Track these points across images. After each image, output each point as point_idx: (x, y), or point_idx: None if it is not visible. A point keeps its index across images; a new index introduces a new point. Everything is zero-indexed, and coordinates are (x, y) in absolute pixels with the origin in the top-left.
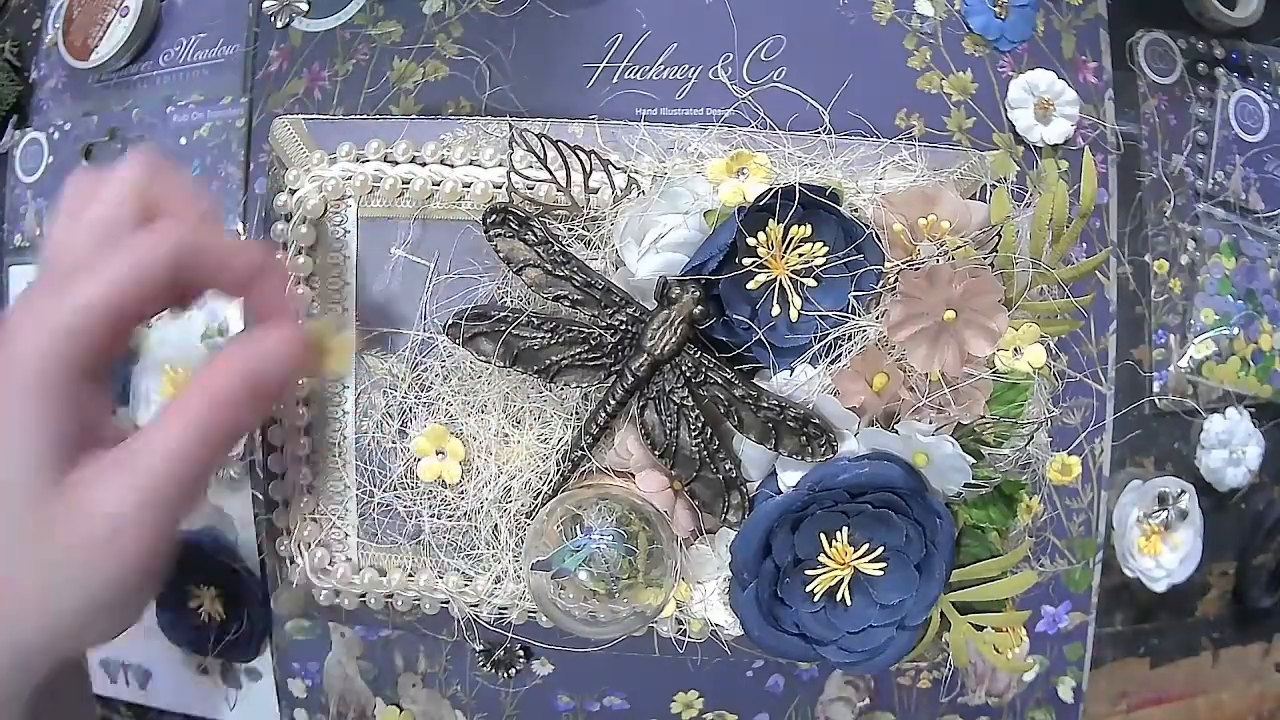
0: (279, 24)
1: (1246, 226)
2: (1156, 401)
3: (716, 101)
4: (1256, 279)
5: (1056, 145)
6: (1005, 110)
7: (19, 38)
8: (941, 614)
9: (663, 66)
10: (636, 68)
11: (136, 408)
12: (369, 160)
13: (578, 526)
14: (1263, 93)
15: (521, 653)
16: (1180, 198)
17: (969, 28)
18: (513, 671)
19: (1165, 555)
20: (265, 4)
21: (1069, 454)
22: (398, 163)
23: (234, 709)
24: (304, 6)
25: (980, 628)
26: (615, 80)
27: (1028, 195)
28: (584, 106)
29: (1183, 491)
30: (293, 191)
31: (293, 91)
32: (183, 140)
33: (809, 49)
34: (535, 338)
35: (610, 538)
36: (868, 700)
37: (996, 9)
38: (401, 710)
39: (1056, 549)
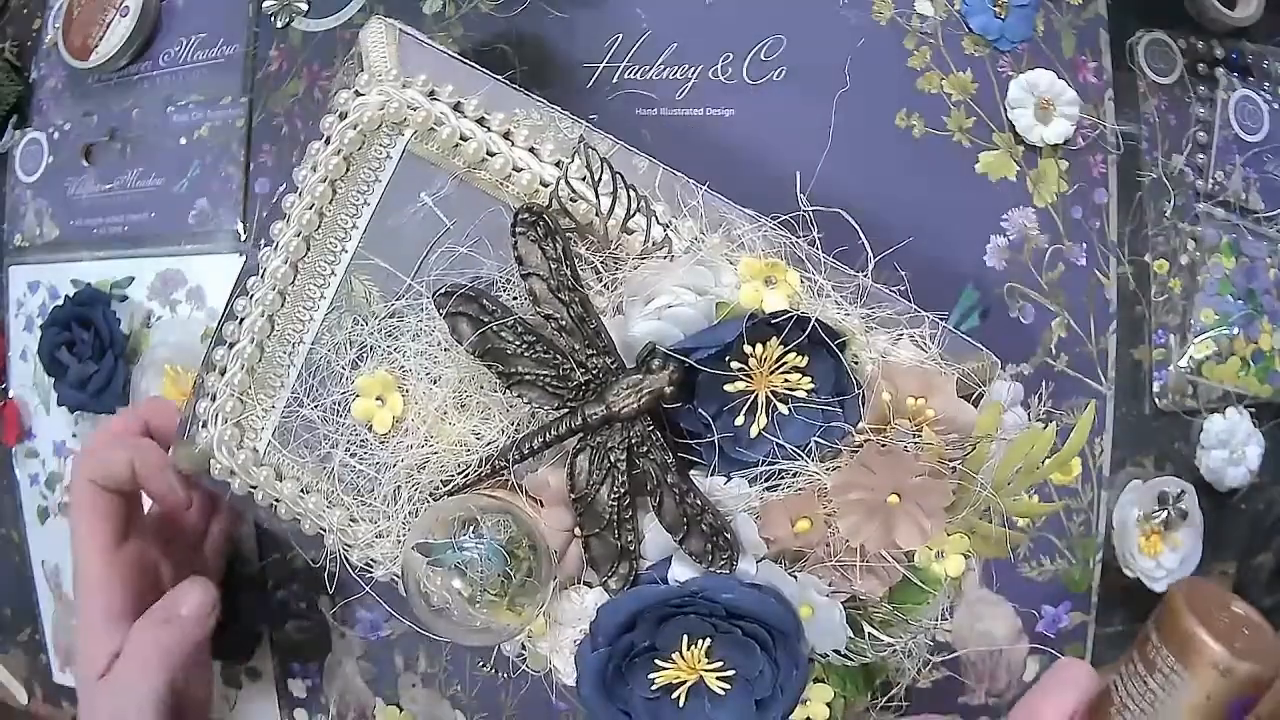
0: (279, 24)
1: (1246, 226)
2: (1156, 401)
3: (717, 102)
4: (1256, 279)
5: (1056, 145)
6: (1005, 110)
7: (19, 38)
8: None
9: (663, 66)
10: (636, 68)
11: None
12: (439, 100)
13: (470, 528)
14: (1263, 93)
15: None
16: (1180, 198)
17: (969, 28)
18: (513, 671)
19: (1165, 555)
20: (265, 4)
21: None
22: (465, 115)
23: (234, 709)
24: (304, 6)
25: None
26: (615, 80)
27: (1025, 419)
28: (584, 106)
29: (1183, 491)
30: (358, 94)
31: (293, 91)
32: (183, 140)
33: (809, 49)
34: (511, 343)
35: (493, 552)
36: None
37: (996, 9)
38: (401, 710)
39: (1056, 549)
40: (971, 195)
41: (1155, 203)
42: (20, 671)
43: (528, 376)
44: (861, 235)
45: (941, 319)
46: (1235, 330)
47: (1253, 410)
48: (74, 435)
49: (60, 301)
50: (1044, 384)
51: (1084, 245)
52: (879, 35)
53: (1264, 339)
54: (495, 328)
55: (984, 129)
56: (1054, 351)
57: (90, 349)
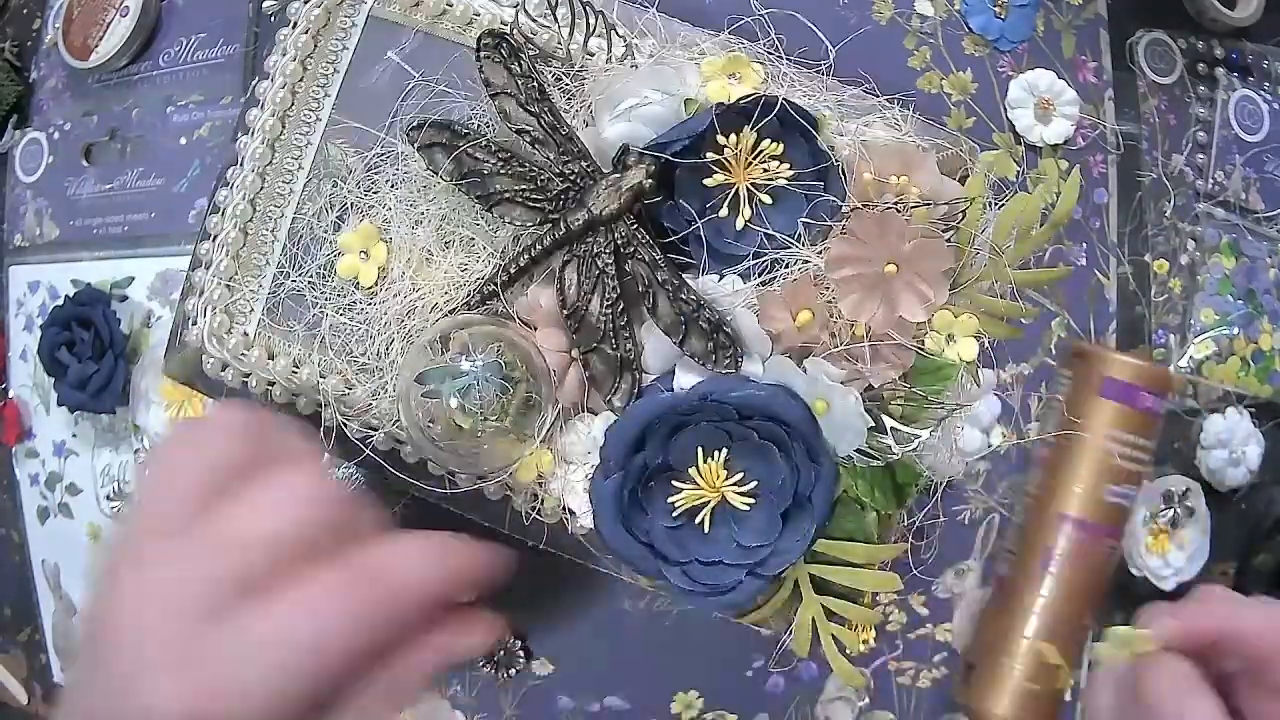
0: (279, 24)
1: (1246, 226)
2: None
3: None
4: (1256, 279)
5: (1056, 145)
6: (1005, 110)
7: (19, 38)
8: (796, 584)
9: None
10: None
11: (136, 407)
12: None
13: (464, 356)
14: (1263, 93)
15: (521, 653)
16: (1180, 198)
17: (969, 28)
18: (512, 672)
19: (1173, 554)
20: (265, 4)
21: None
22: None
23: None
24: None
25: (830, 614)
26: None
27: (1009, 191)
28: None
29: (1187, 490)
30: None
31: None
32: (183, 140)
33: (808, 49)
34: (487, 162)
35: (490, 371)
36: (868, 700)
37: (996, 9)
38: (401, 711)
39: None
40: None
41: (1155, 203)
42: (20, 671)
43: (507, 194)
44: (820, 35)
45: None
46: (1235, 330)
47: (1253, 410)
48: (74, 435)
49: (60, 301)
50: (1044, 384)
51: (1084, 245)
52: (879, 35)
53: (1264, 339)
54: (469, 150)
55: (984, 129)
56: (1054, 351)
57: (90, 349)
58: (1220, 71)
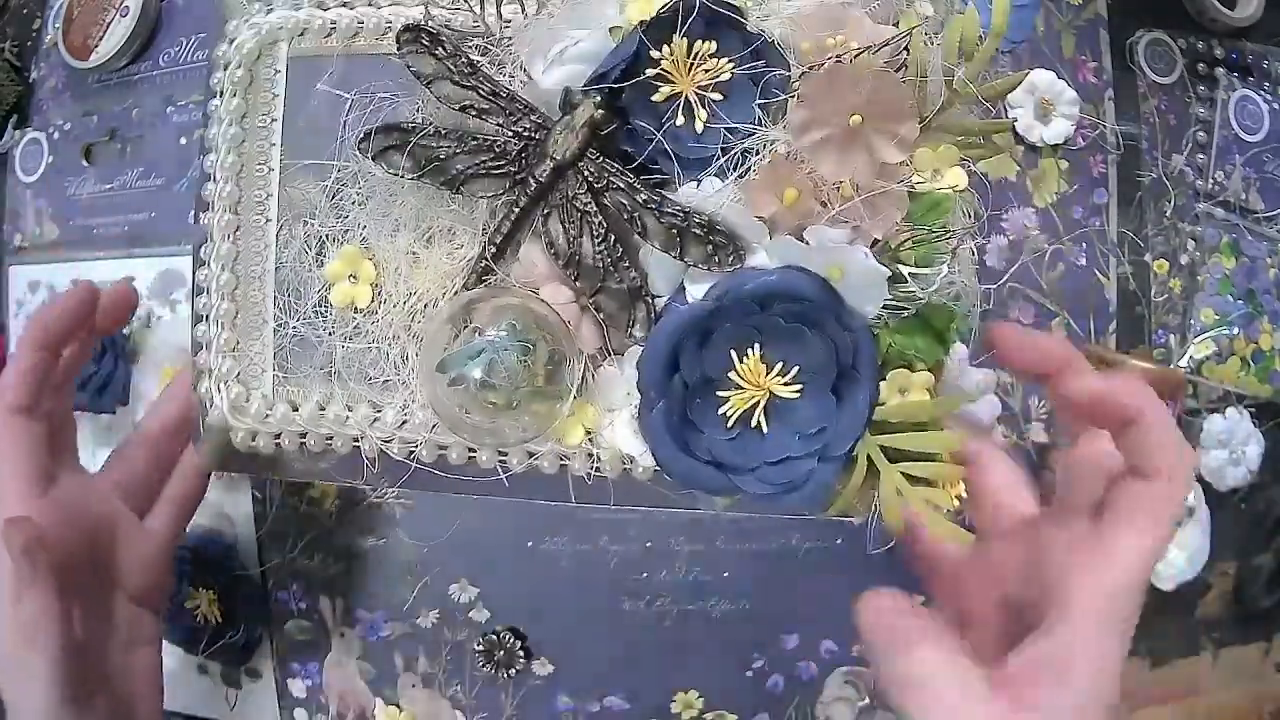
0: None
1: (1246, 226)
2: None
3: None
4: (1256, 279)
5: (1056, 145)
6: (1005, 110)
7: (19, 38)
8: (870, 461)
9: None
10: None
11: (136, 407)
12: (302, 7)
13: (475, 333)
14: (1263, 93)
15: (522, 653)
16: (1180, 198)
17: None
18: (512, 671)
19: (1173, 553)
20: None
21: None
22: (329, 8)
23: (234, 709)
24: None
25: (915, 481)
26: None
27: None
28: None
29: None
30: (232, 41)
31: None
32: (182, 140)
33: None
34: (442, 147)
35: (508, 340)
36: (867, 700)
37: None
38: (401, 710)
39: None
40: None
41: (1155, 203)
42: None
43: (470, 170)
44: None
45: None
46: (1235, 330)
47: (1253, 410)
48: None
49: None
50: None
51: (1084, 245)
52: None
53: (1264, 339)
54: (421, 141)
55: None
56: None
57: (90, 349)
58: (1220, 71)
